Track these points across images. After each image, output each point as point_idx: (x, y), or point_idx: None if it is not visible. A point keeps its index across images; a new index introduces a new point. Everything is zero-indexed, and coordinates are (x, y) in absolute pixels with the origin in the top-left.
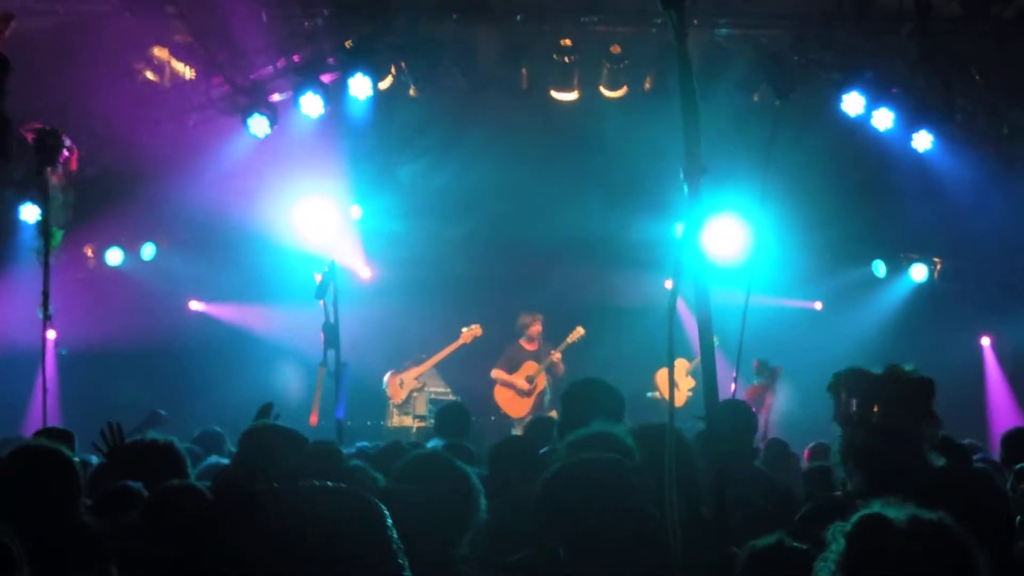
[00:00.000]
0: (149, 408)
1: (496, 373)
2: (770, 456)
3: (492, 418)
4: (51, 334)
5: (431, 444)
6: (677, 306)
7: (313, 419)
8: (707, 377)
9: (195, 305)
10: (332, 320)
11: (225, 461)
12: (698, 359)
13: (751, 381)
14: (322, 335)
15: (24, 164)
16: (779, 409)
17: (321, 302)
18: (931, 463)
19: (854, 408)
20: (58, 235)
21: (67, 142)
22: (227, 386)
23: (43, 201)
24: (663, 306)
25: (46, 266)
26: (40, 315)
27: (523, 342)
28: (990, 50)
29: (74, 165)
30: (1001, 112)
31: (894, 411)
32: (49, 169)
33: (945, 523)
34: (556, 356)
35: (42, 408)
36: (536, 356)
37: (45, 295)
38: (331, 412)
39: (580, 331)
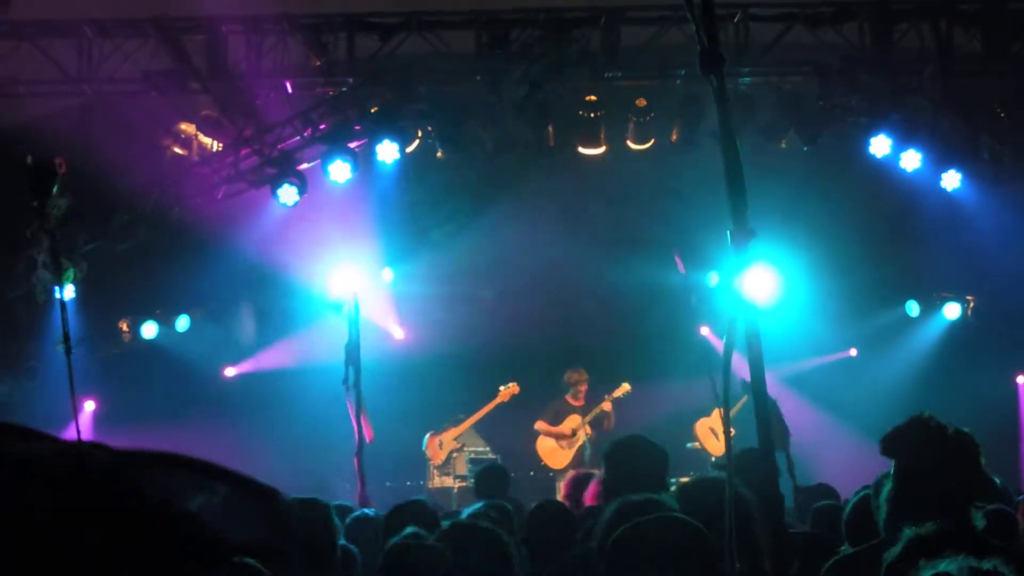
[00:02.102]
0: None
1: (539, 425)
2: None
3: (531, 473)
4: (89, 405)
5: (470, 508)
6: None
7: (368, 435)
8: (761, 425)
9: (230, 371)
10: (354, 339)
11: None
12: (737, 406)
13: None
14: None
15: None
16: None
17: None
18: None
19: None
20: (70, 273)
21: (57, 160)
22: (268, 448)
23: (50, 236)
24: (698, 355)
25: (63, 307)
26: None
27: (569, 398)
28: (1013, 87)
29: (63, 168)
30: None
31: (953, 470)
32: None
33: (1000, 571)
34: (608, 406)
35: None
36: (579, 411)
37: (66, 335)
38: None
39: (626, 387)
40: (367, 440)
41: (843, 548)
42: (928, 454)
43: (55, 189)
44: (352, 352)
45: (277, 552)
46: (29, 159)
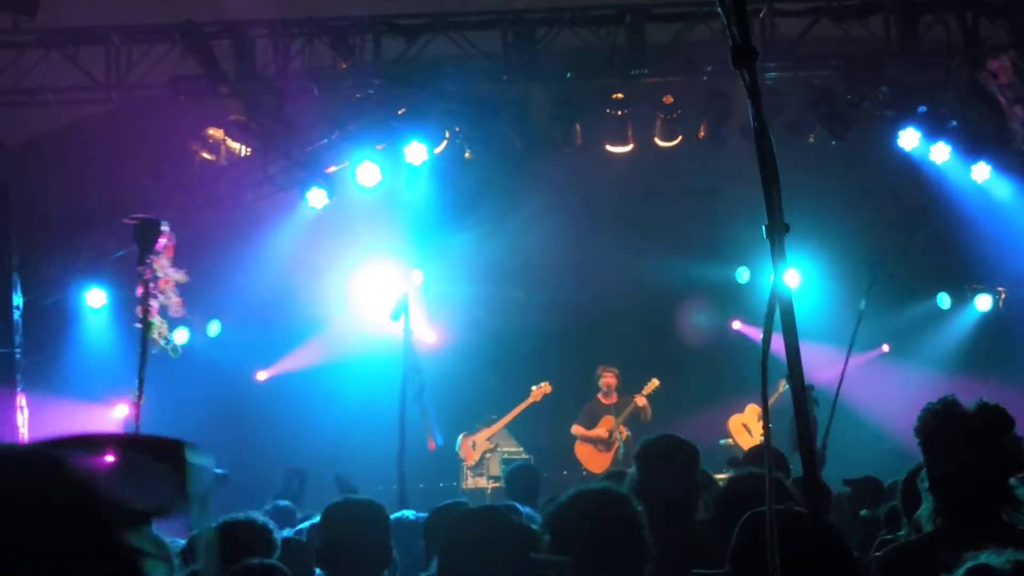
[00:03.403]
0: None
1: (575, 429)
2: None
3: (564, 472)
4: (122, 411)
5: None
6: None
7: (430, 444)
8: (799, 416)
9: (262, 375)
10: (410, 347)
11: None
12: (774, 398)
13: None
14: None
15: (87, 250)
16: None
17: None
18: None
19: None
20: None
21: (164, 228)
22: (300, 453)
23: (144, 291)
24: (731, 350)
25: (143, 355)
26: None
27: (601, 396)
28: None
29: (171, 251)
30: None
31: (984, 445)
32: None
33: None
34: (642, 401)
35: None
36: (613, 409)
37: (140, 381)
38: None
39: (655, 382)
40: (430, 447)
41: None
42: (950, 433)
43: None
44: (412, 360)
45: (185, 507)
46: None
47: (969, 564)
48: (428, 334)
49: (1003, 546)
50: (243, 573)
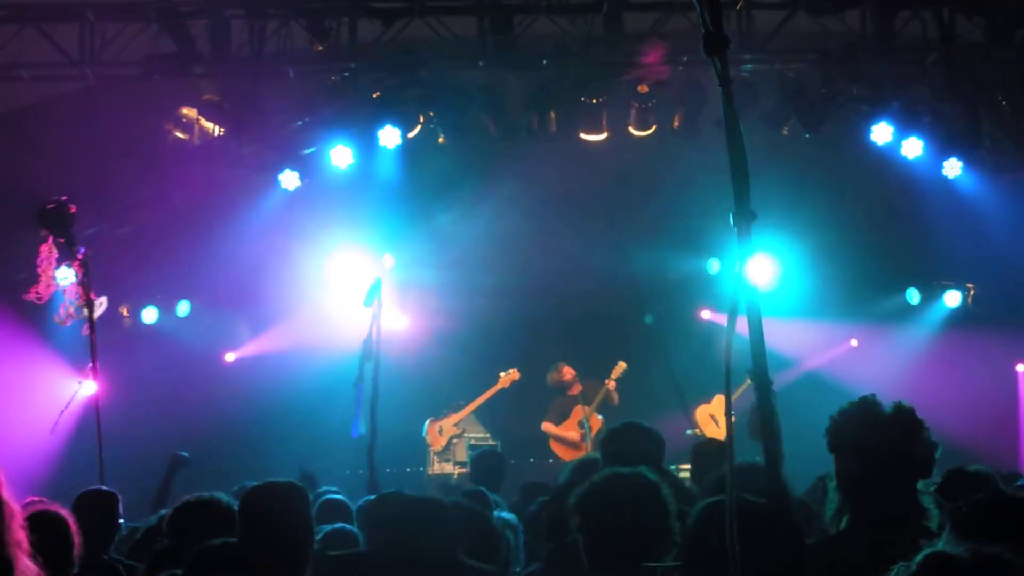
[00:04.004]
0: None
1: (546, 427)
2: None
3: (531, 460)
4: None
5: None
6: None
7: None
8: (763, 408)
9: (231, 356)
10: (374, 334)
11: None
12: (738, 392)
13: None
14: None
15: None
16: None
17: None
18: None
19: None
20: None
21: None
22: (268, 436)
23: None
24: (699, 342)
25: (92, 342)
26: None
27: (567, 390)
28: (1015, 76)
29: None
30: None
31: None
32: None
33: (1006, 556)
34: (612, 384)
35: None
36: (581, 398)
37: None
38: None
39: (623, 365)
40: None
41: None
42: (861, 435)
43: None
44: (369, 348)
45: None
46: (46, 206)
47: (927, 551)
48: (399, 320)
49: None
50: (206, 552)
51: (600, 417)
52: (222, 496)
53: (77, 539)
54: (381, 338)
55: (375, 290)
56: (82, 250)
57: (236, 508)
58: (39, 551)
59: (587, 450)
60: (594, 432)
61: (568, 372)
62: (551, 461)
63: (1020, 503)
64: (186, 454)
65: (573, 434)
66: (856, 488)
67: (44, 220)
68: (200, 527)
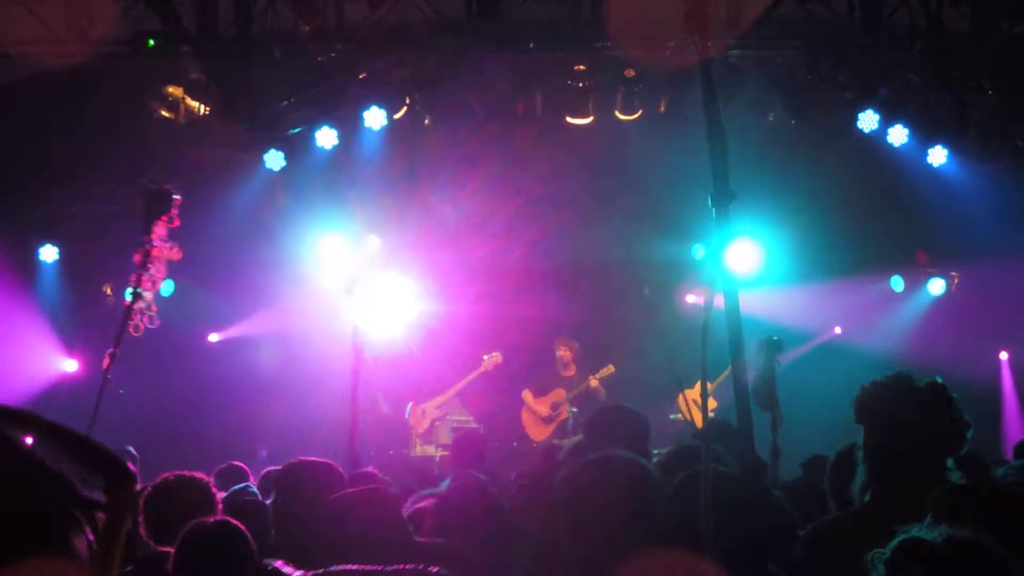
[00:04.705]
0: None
1: (525, 394)
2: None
3: (514, 444)
4: (72, 366)
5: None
6: (710, 327)
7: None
8: (739, 394)
9: (214, 337)
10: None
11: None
12: (721, 378)
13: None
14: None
15: (44, 205)
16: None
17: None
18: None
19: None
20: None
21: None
22: (249, 417)
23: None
24: (683, 327)
25: (124, 320)
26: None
27: (559, 368)
28: (1001, 64)
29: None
30: (1014, 125)
31: (920, 419)
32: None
33: (980, 541)
34: (594, 383)
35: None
36: (568, 383)
37: (117, 344)
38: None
39: (611, 369)
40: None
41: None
42: (896, 410)
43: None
44: (358, 337)
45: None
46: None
47: (901, 537)
48: (383, 304)
49: (937, 522)
50: (196, 530)
51: (574, 409)
52: (198, 476)
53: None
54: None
55: (356, 279)
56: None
57: (212, 486)
58: None
59: (550, 433)
60: (560, 419)
61: (566, 352)
62: (533, 447)
63: (1002, 490)
64: (131, 448)
65: (543, 410)
66: (884, 461)
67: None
68: (178, 505)
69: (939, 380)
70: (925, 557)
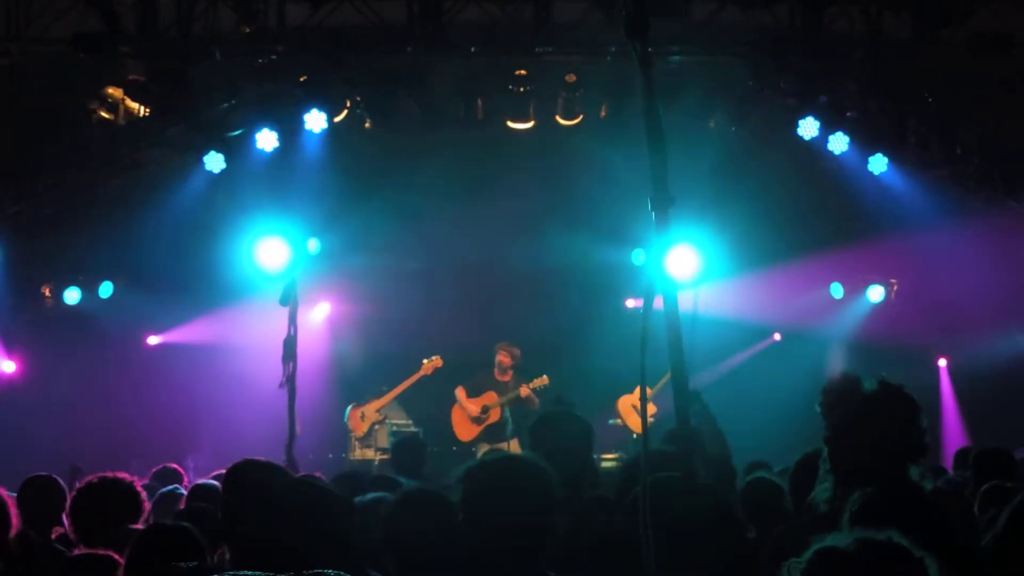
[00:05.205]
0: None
1: (458, 391)
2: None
3: (454, 448)
4: (9, 367)
5: None
6: (649, 331)
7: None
8: (677, 397)
9: (153, 340)
10: (292, 333)
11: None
12: (660, 384)
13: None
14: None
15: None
16: None
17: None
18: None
19: (847, 423)
20: None
21: None
22: (186, 421)
23: None
24: (622, 332)
25: None
26: None
27: (496, 371)
28: (941, 73)
29: None
30: (953, 134)
31: (886, 427)
32: None
33: (893, 541)
34: (525, 391)
35: None
36: (502, 388)
37: None
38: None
39: (544, 380)
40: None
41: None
42: (858, 410)
43: None
44: (290, 347)
45: None
46: None
47: (815, 547)
48: (321, 304)
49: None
50: (153, 533)
51: (506, 414)
52: (122, 477)
53: (16, 521)
54: (298, 336)
55: (291, 288)
56: None
57: (137, 488)
58: None
59: (477, 433)
60: (489, 421)
61: (505, 358)
62: (473, 450)
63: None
64: (80, 465)
65: (473, 410)
66: (846, 469)
67: None
68: (104, 508)
69: (891, 382)
70: (839, 564)
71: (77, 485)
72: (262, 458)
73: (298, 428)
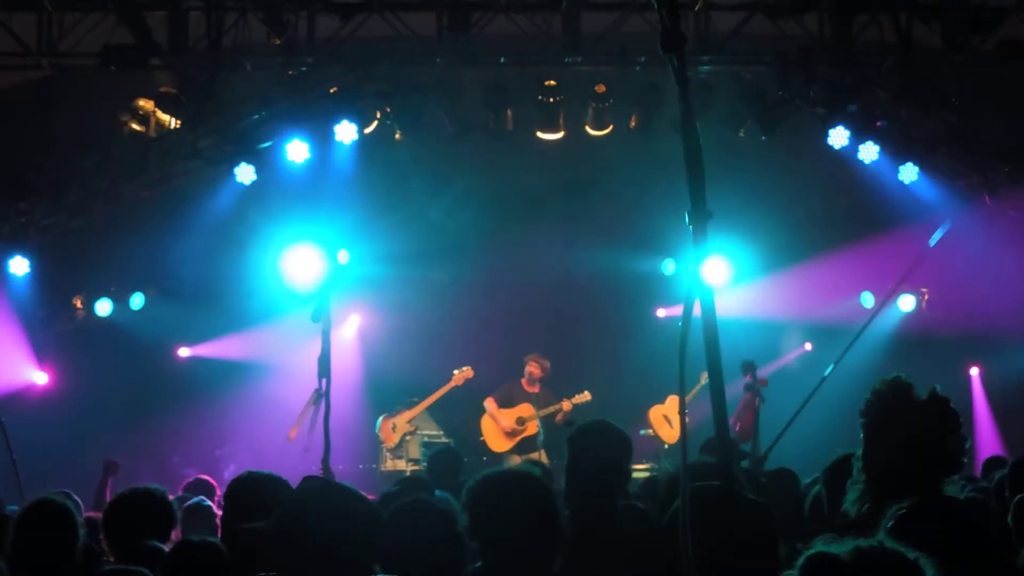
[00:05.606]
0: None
1: (488, 403)
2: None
3: (484, 459)
4: (42, 378)
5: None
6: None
7: (292, 433)
8: (717, 409)
9: (184, 352)
10: (326, 349)
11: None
12: (693, 392)
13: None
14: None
15: (14, 218)
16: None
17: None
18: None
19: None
20: None
21: None
22: (218, 431)
23: None
24: (652, 343)
25: None
26: None
27: (524, 382)
28: (971, 81)
29: None
30: (983, 142)
31: (924, 437)
32: None
33: (887, 548)
34: (568, 406)
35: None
36: (533, 399)
37: None
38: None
39: (587, 396)
40: (288, 438)
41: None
42: (900, 416)
43: None
44: (324, 364)
45: None
46: None
47: (808, 553)
48: (352, 315)
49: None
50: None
51: (540, 427)
52: (155, 487)
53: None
54: (332, 352)
55: (324, 305)
56: None
57: (170, 500)
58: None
59: (510, 446)
60: (525, 434)
61: (536, 369)
62: (505, 464)
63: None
64: (117, 461)
65: (507, 422)
66: (881, 475)
67: None
68: (133, 519)
69: (939, 392)
70: (833, 571)
71: (109, 490)
72: (282, 471)
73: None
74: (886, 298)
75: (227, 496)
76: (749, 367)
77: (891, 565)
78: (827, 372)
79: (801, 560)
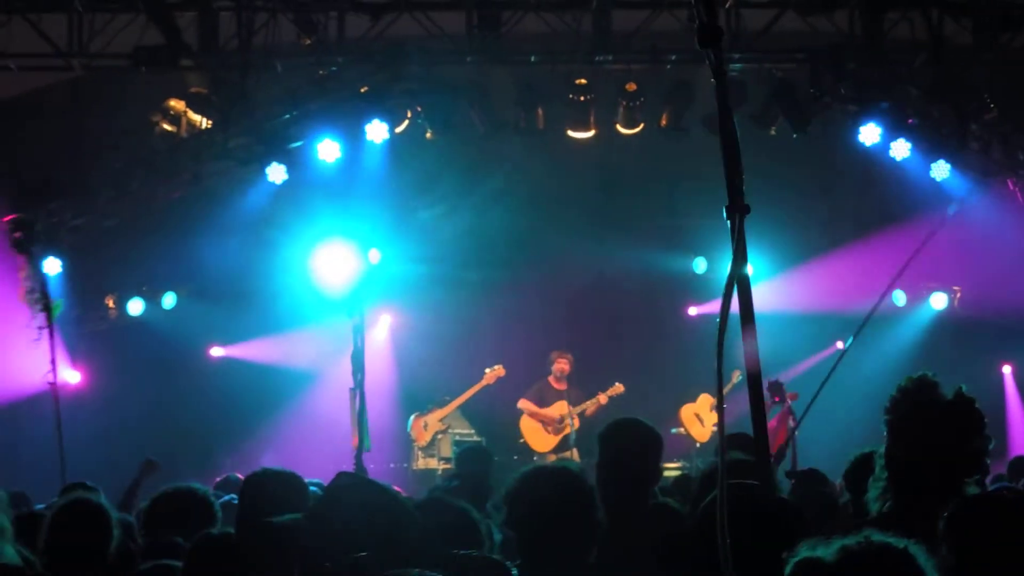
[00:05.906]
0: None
1: (524, 404)
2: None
3: (515, 457)
4: (74, 377)
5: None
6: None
7: (355, 441)
8: (755, 410)
9: (216, 351)
10: (359, 346)
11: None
12: (727, 389)
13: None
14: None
15: (45, 219)
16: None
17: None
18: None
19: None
20: (58, 306)
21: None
22: (248, 432)
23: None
24: (684, 341)
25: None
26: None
27: (552, 380)
28: (1002, 78)
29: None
30: (1015, 139)
31: (946, 437)
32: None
33: (874, 541)
34: (604, 399)
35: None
36: (567, 396)
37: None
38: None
39: (620, 388)
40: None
41: None
42: (924, 419)
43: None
44: (358, 360)
45: None
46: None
47: (796, 558)
48: (384, 314)
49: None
50: (204, 542)
51: (578, 420)
52: (197, 485)
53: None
54: (365, 348)
55: (358, 301)
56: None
57: (211, 497)
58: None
59: (553, 445)
60: (567, 430)
61: (564, 365)
62: (535, 459)
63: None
64: (155, 459)
65: (551, 421)
66: (903, 473)
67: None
68: (175, 516)
69: (965, 392)
70: (820, 574)
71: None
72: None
73: (356, 440)
74: (897, 274)
75: (242, 491)
76: (776, 388)
77: (879, 557)
78: (833, 366)
79: (788, 568)
